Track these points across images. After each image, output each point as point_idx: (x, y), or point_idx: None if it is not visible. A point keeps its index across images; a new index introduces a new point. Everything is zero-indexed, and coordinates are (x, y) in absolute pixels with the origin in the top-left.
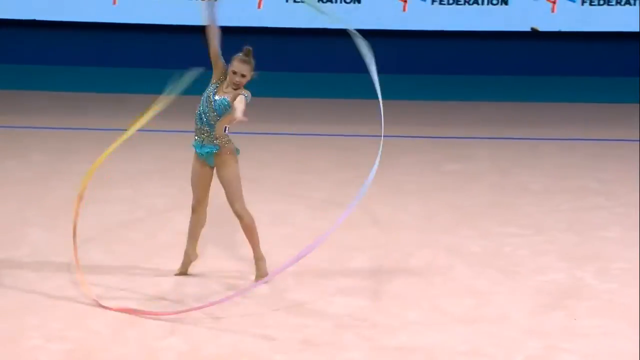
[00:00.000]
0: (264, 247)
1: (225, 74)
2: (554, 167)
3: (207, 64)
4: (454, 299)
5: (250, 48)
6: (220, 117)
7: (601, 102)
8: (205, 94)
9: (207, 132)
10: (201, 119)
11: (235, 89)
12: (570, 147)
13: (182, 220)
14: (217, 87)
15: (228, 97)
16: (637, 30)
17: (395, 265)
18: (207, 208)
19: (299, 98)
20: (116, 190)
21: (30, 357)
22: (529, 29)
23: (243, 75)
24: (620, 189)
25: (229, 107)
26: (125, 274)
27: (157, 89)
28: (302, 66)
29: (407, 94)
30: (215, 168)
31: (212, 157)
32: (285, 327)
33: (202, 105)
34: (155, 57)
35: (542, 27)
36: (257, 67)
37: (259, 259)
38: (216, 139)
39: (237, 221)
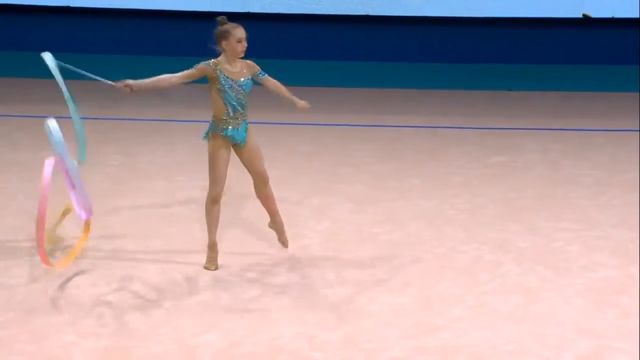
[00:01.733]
0: (303, 242)
1: (206, 70)
2: (606, 159)
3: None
4: (500, 296)
5: (224, 17)
6: (248, 96)
7: None
8: (227, 89)
9: (242, 113)
10: (235, 108)
11: (239, 58)
12: (622, 138)
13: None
14: (222, 72)
15: (249, 76)
16: None
17: (440, 261)
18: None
19: (334, 87)
20: (150, 183)
21: (64, 354)
22: (580, 16)
23: (246, 39)
24: None
25: (252, 85)
26: (161, 268)
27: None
28: (332, 54)
29: (451, 83)
30: (239, 145)
31: (246, 136)
32: (325, 324)
33: (230, 96)
34: (187, 46)
35: (594, 14)
36: (290, 56)
37: (282, 223)
38: (246, 115)
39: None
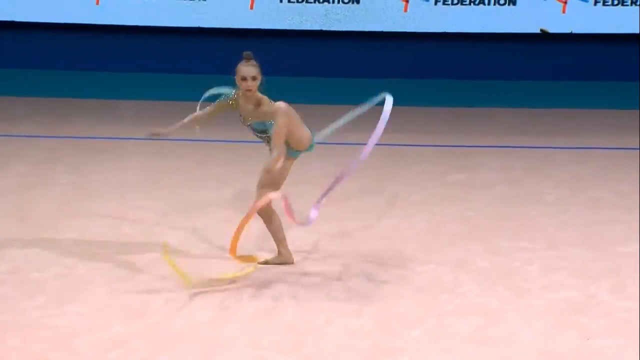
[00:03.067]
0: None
1: (229, 102)
2: (568, 178)
3: (191, 67)
4: (460, 318)
5: (250, 52)
6: (269, 132)
7: (618, 109)
8: (240, 119)
9: (269, 139)
10: (258, 136)
11: (251, 97)
12: (585, 156)
13: (171, 234)
14: (238, 108)
15: (260, 120)
16: None
17: (398, 281)
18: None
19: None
20: (100, 203)
21: None
22: (538, 31)
23: (254, 78)
24: (638, 202)
25: (269, 125)
26: (111, 292)
27: (144, 94)
28: (285, 70)
29: (408, 100)
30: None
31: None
32: (281, 347)
33: (247, 129)
34: (141, 61)
35: (552, 29)
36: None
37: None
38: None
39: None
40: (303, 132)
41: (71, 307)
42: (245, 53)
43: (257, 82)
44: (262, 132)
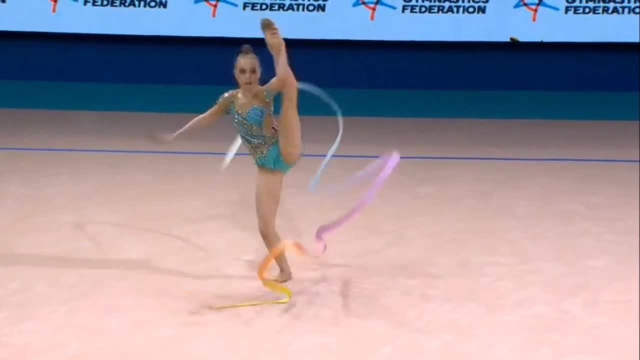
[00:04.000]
0: (219, 278)
1: (231, 100)
2: (539, 190)
3: (151, 77)
4: (430, 334)
5: (249, 45)
6: (261, 125)
7: (590, 120)
8: (234, 120)
9: (262, 142)
10: (249, 141)
11: (249, 91)
12: (557, 167)
13: (131, 248)
14: (234, 106)
15: (256, 105)
16: (627, 41)
17: (367, 298)
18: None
19: None
20: (57, 216)
21: None
22: (507, 39)
23: (253, 71)
24: (610, 215)
25: (264, 111)
26: (69, 309)
27: (102, 105)
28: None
29: (375, 110)
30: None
31: (279, 156)
32: None
33: (240, 130)
34: (99, 70)
35: (522, 38)
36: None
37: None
38: (272, 140)
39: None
40: (298, 136)
41: (28, 325)
42: (244, 46)
43: (257, 76)
44: (257, 124)
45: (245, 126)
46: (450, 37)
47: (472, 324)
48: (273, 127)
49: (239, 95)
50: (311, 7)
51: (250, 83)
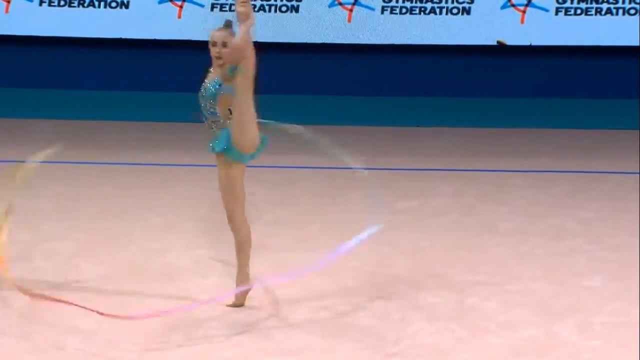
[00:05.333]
0: (186, 299)
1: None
2: (525, 204)
3: (111, 82)
4: None
5: (231, 21)
6: (215, 99)
7: (582, 128)
8: (198, 93)
9: (213, 121)
10: (205, 117)
11: (219, 66)
12: (542, 179)
13: (89, 268)
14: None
15: (216, 78)
16: (622, 44)
17: (342, 320)
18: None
19: None
20: (9, 235)
21: None
22: (494, 43)
23: (224, 44)
24: (601, 230)
25: (220, 87)
26: (22, 336)
27: (58, 113)
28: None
29: (352, 119)
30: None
31: (230, 144)
32: None
33: (199, 100)
34: (56, 76)
35: (509, 41)
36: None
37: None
38: (224, 122)
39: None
40: (251, 123)
41: None
42: (226, 20)
43: (230, 53)
44: (211, 96)
45: (203, 98)
46: (432, 41)
47: (455, 347)
48: (229, 109)
49: (211, 69)
50: (284, 8)
51: (220, 57)
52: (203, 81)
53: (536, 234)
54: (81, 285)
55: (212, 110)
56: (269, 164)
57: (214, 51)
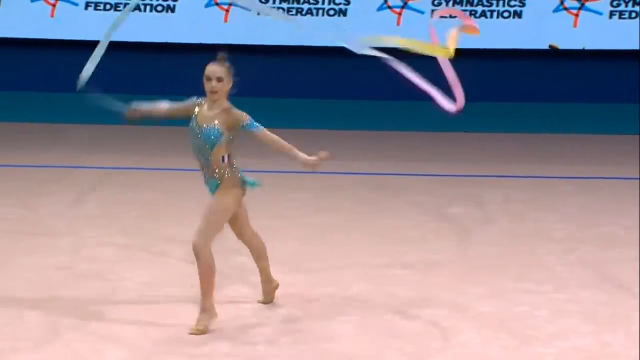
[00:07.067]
0: (227, 311)
1: (195, 106)
2: (574, 211)
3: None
4: None
5: (225, 55)
6: (212, 149)
7: (631, 134)
8: (190, 129)
9: (206, 166)
10: (197, 157)
11: (214, 101)
12: (591, 186)
13: (131, 275)
14: (196, 114)
15: (217, 125)
16: None
17: (388, 328)
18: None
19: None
20: (54, 239)
21: None
22: (546, 47)
23: (219, 79)
24: None
25: (220, 137)
26: (63, 342)
27: (100, 118)
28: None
29: (396, 124)
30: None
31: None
32: None
33: (192, 138)
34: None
35: (562, 45)
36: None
37: (204, 309)
38: (215, 171)
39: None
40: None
41: (22, 357)
42: (218, 54)
43: (224, 86)
44: (210, 145)
45: (199, 141)
46: (483, 45)
47: (505, 357)
48: (222, 157)
49: (205, 106)
50: (332, 12)
51: (215, 92)
52: (194, 114)
53: (586, 242)
54: (127, 290)
55: (206, 156)
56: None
57: (208, 86)
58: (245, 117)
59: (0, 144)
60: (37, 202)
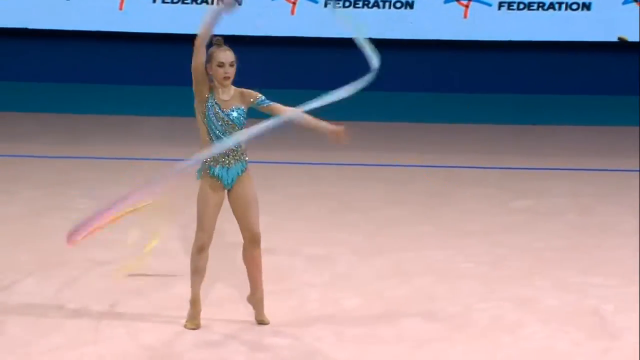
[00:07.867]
0: (296, 298)
1: (210, 85)
2: None
3: None
4: None
5: (221, 38)
6: (241, 129)
7: None
8: (211, 115)
9: (234, 150)
10: (221, 140)
11: (225, 86)
12: None
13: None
14: (214, 100)
15: (242, 106)
16: None
17: (454, 322)
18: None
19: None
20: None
21: None
22: (615, 39)
23: (232, 64)
24: None
25: (246, 117)
26: (130, 335)
27: (170, 110)
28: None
29: (468, 116)
30: (231, 190)
31: (236, 178)
32: None
33: (216, 127)
34: (164, 73)
35: (631, 37)
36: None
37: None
38: (242, 154)
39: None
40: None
41: (89, 349)
42: (215, 39)
43: (234, 71)
44: (240, 125)
45: (227, 125)
46: (550, 37)
47: (572, 351)
48: None
49: (219, 91)
50: (399, 5)
51: (229, 77)
52: (213, 102)
53: None
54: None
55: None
56: (385, 162)
57: (222, 72)
58: (258, 94)
59: (72, 136)
60: (106, 193)
